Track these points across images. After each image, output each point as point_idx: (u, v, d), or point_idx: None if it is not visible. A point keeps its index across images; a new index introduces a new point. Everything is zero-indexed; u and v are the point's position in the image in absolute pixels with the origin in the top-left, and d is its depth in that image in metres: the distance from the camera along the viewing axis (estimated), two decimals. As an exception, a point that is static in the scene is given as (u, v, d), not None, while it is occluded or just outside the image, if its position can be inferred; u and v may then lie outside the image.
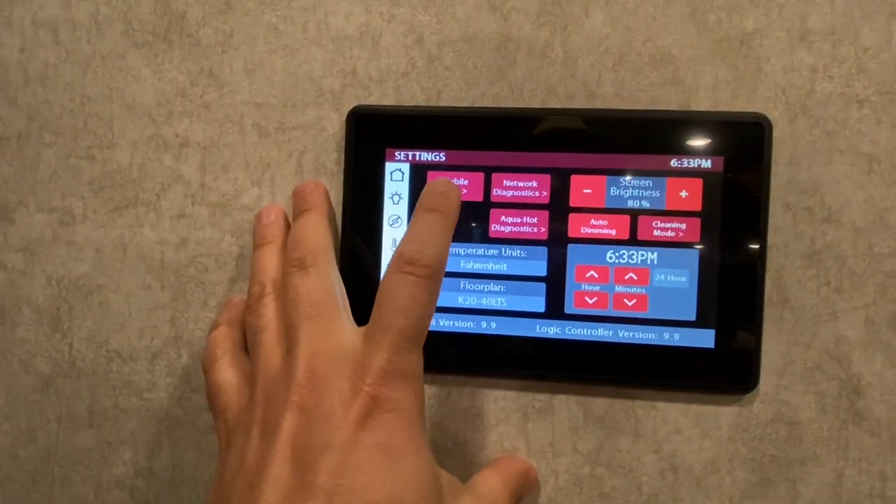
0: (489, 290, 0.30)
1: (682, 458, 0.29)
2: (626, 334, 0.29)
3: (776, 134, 0.28)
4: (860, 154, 0.28)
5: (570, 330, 0.29)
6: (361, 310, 0.30)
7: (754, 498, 0.29)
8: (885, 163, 0.28)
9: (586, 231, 0.29)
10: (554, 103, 0.30)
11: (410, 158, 0.30)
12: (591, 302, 0.29)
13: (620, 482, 0.30)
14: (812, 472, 0.29)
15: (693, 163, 0.29)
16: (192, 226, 0.32)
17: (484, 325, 0.30)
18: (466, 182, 0.30)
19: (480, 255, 0.30)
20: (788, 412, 0.29)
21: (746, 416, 0.29)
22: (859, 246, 0.28)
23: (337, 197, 0.31)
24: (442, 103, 0.30)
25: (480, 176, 0.30)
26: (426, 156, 0.30)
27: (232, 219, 0.32)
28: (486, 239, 0.29)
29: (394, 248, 0.30)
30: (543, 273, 0.29)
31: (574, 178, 0.29)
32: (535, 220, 0.29)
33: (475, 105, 0.30)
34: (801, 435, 0.29)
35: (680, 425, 0.29)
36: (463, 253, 0.30)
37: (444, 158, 0.30)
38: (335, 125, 0.31)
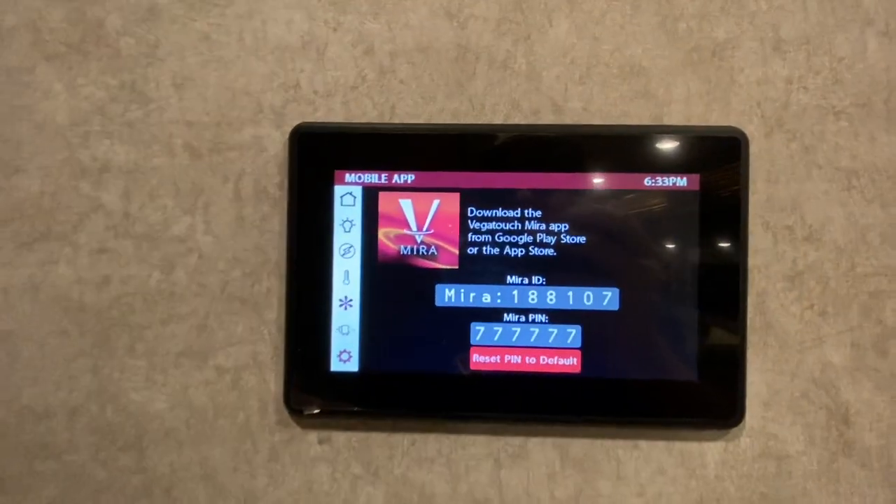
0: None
1: (668, 499, 0.27)
2: (602, 368, 0.27)
3: (753, 149, 0.27)
4: (839, 169, 0.27)
5: (543, 361, 0.27)
6: (312, 354, 0.27)
7: (744, 540, 0.27)
8: (864, 178, 0.27)
9: (557, 257, 0.27)
10: (518, 119, 0.28)
11: (362, 181, 0.27)
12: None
13: (602, 530, 0.27)
14: (803, 508, 0.27)
15: (668, 181, 0.27)
16: (114, 261, 0.28)
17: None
18: (439, 202, 0.27)
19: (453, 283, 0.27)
20: (776, 446, 0.27)
21: (733, 452, 0.27)
22: (842, 266, 0.27)
23: (281, 226, 0.28)
24: (396, 120, 0.28)
25: (453, 197, 0.27)
26: (379, 178, 0.27)
27: (161, 252, 0.28)
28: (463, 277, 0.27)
29: (346, 282, 0.27)
30: (513, 304, 0.27)
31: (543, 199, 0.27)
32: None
33: (432, 122, 0.28)
34: (790, 470, 0.27)
35: (664, 465, 0.27)
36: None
37: (412, 180, 0.27)
38: (277, 145, 0.28)
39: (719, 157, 0.27)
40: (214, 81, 0.28)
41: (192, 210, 0.28)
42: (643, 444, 0.27)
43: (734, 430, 0.27)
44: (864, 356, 0.27)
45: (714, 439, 0.27)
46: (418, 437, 0.27)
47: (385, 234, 0.27)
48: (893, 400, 0.27)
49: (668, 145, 0.27)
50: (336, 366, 0.27)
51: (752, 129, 0.27)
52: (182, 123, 0.28)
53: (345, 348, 0.27)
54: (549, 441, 0.27)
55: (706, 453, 0.27)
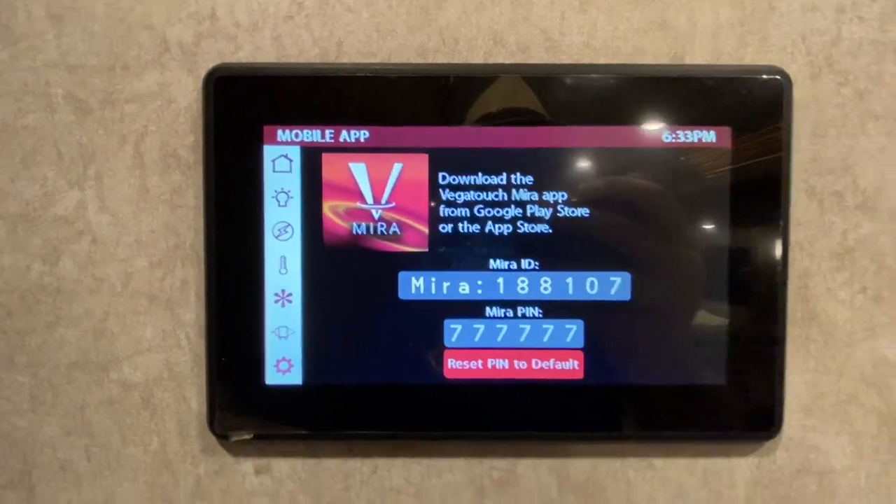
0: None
1: (688, 528, 0.23)
2: (608, 373, 0.22)
3: (796, 95, 0.21)
4: (901, 119, 0.22)
5: (536, 364, 0.22)
6: (242, 363, 0.22)
7: (778, 572, 0.23)
8: (929, 130, 0.22)
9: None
10: (502, 58, 0.21)
11: (300, 140, 0.21)
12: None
13: (609, 567, 0.23)
14: (848, 533, 0.23)
15: (692, 136, 0.21)
16: (-19, 249, 0.22)
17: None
18: (401, 166, 0.21)
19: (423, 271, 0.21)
20: (819, 459, 0.22)
21: (768, 469, 0.22)
22: (900, 240, 0.22)
23: (197, 200, 0.21)
24: (344, 59, 0.22)
25: (420, 159, 0.21)
26: (322, 135, 0.21)
27: (42, 237, 0.22)
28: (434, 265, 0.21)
29: (283, 271, 0.21)
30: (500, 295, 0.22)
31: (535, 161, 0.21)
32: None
33: (391, 61, 0.22)
34: (834, 488, 0.22)
35: (685, 487, 0.22)
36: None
37: (366, 137, 0.21)
38: (189, 95, 0.21)
39: (755, 105, 0.21)
40: (103, 12, 0.21)
41: (81, 182, 0.21)
42: (659, 462, 0.22)
43: (769, 443, 0.22)
44: (923, 350, 0.22)
45: (745, 454, 0.22)
46: (381, 462, 0.22)
47: (332, 209, 0.21)
48: (956, 401, 0.22)
49: (691, 91, 0.21)
50: (273, 378, 0.21)
51: (794, 70, 0.21)
52: (63, 68, 0.21)
53: (284, 356, 0.21)
54: (543, 463, 0.22)
55: (735, 471, 0.22)
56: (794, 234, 0.22)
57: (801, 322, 0.22)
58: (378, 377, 0.21)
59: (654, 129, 0.21)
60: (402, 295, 0.21)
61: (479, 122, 0.21)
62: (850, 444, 0.22)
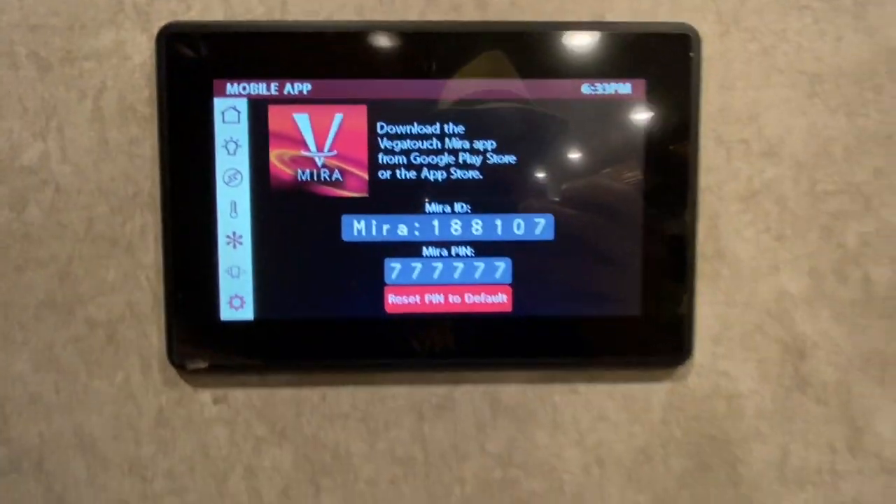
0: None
1: (610, 448, 0.25)
2: (535, 305, 0.24)
3: (705, 50, 0.23)
4: (802, 73, 0.24)
5: (468, 299, 0.24)
6: (198, 301, 0.23)
7: (692, 486, 0.25)
8: (829, 83, 0.24)
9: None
10: (435, 15, 0.23)
11: (247, 92, 0.22)
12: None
13: (539, 483, 0.25)
14: (755, 450, 0.25)
15: (609, 88, 0.23)
16: (-48, 198, 0.23)
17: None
18: (342, 117, 0.23)
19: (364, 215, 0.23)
20: (727, 384, 0.25)
21: (680, 393, 0.25)
22: (802, 184, 0.24)
23: (153, 150, 0.23)
24: (287, 16, 0.23)
25: (360, 110, 0.23)
26: (268, 88, 0.22)
27: (9, 186, 0.23)
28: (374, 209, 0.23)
29: (234, 215, 0.23)
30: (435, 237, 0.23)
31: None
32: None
33: (332, 18, 0.23)
34: (741, 409, 0.25)
35: (605, 410, 0.24)
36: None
37: (308, 90, 0.23)
38: (143, 52, 0.23)
39: (667, 59, 0.23)
40: (62, -26, 0.23)
41: (44, 134, 0.23)
42: (582, 388, 0.24)
43: (681, 369, 0.24)
44: (823, 283, 0.24)
45: (659, 380, 0.24)
46: (329, 390, 0.24)
47: (278, 157, 0.23)
48: (853, 330, 0.24)
49: (608, 47, 0.23)
50: (227, 314, 0.23)
51: (705, 28, 0.23)
52: (24, 28, 0.23)
53: (236, 293, 0.23)
54: (477, 389, 0.24)
55: (651, 395, 0.24)
56: (704, 178, 0.24)
57: (711, 259, 0.24)
58: (324, 312, 0.23)
59: (575, 81, 0.23)
60: (345, 237, 0.23)
61: (418, 75, 0.23)
62: (755, 369, 0.24)
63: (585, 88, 0.23)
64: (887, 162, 0.24)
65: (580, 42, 0.23)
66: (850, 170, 0.24)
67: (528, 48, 0.23)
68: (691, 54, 0.23)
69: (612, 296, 0.23)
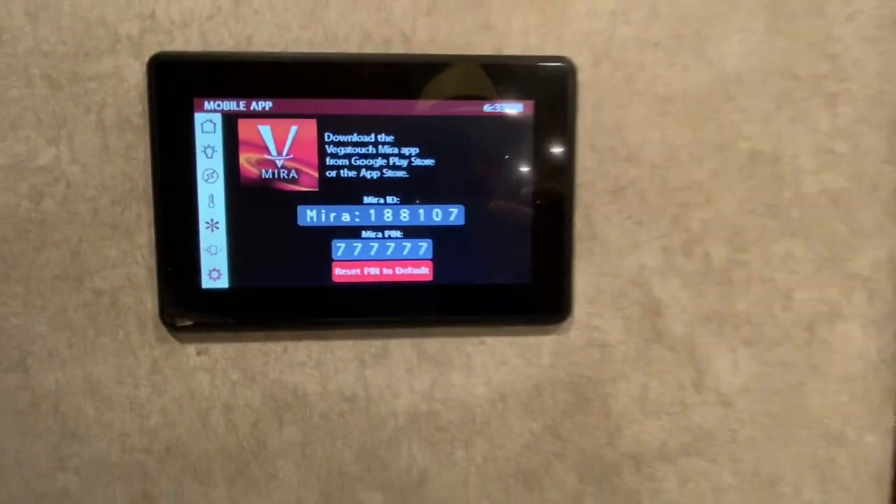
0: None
1: (510, 387, 0.32)
2: (451, 275, 0.30)
3: (581, 77, 0.30)
4: (656, 96, 0.31)
5: (398, 271, 0.30)
6: (184, 273, 0.29)
7: (573, 415, 0.32)
8: (677, 104, 0.31)
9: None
10: (370, 48, 0.29)
11: (221, 108, 0.28)
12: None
13: (456, 415, 0.32)
14: (621, 387, 0.32)
15: (506, 107, 0.29)
16: (-20, 192, 0.29)
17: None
18: (297, 128, 0.29)
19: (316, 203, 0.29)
20: (599, 336, 0.32)
21: (563, 344, 0.32)
22: (656, 181, 0.31)
23: (146, 154, 0.29)
24: (253, 49, 0.29)
25: (311, 123, 0.29)
26: (237, 105, 0.28)
27: (28, 182, 0.29)
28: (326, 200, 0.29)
29: (211, 205, 0.29)
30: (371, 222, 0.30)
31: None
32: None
33: (289, 51, 0.29)
34: (611, 356, 0.32)
35: (506, 357, 0.31)
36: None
37: (270, 107, 0.29)
38: (136, 75, 0.29)
39: (551, 85, 0.30)
40: (69, 10, 0.28)
41: (56, 140, 0.29)
42: (489, 339, 0.31)
43: (564, 325, 0.31)
44: (673, 259, 0.31)
45: (547, 333, 0.31)
46: (289, 344, 0.30)
47: (246, 160, 0.29)
48: (696, 294, 0.32)
49: (505, 74, 0.29)
50: (207, 283, 0.29)
51: (580, 60, 0.30)
52: (38, 54, 0.28)
53: (214, 267, 0.29)
54: (407, 342, 0.31)
55: (541, 346, 0.31)
56: (580, 177, 0.30)
57: (586, 240, 0.31)
58: (284, 282, 0.30)
59: (479, 102, 0.29)
60: (299, 222, 0.29)
61: (357, 95, 0.29)
62: (621, 325, 0.32)
63: (486, 107, 0.29)
64: (722, 165, 0.31)
65: (483, 71, 0.29)
66: (693, 171, 0.31)
67: (442, 75, 0.29)
68: (570, 81, 0.29)
69: (511, 268, 0.30)
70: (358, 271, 0.30)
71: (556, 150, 0.30)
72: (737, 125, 0.31)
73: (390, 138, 0.29)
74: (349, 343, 0.31)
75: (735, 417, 0.33)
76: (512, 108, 0.29)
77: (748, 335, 0.32)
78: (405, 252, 0.30)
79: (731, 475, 0.33)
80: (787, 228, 0.32)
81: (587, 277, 0.31)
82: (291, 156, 0.29)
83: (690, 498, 0.33)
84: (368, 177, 0.29)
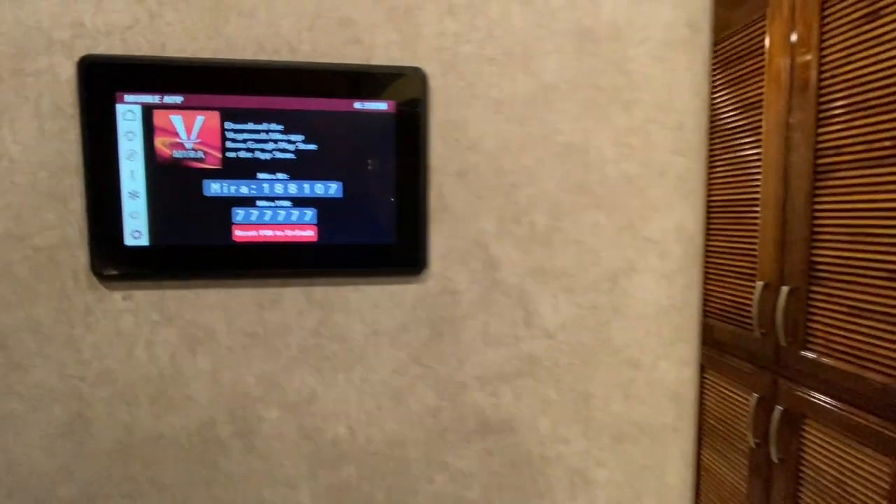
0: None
1: (381, 324, 0.40)
2: (332, 237, 0.38)
3: (432, 84, 0.39)
4: (491, 99, 0.40)
5: (289, 234, 0.38)
6: (110, 233, 0.36)
7: (432, 346, 0.41)
8: (508, 106, 0.40)
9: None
10: (263, 56, 0.37)
11: (140, 101, 0.35)
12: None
13: (338, 346, 0.40)
14: (469, 324, 0.41)
15: (373, 105, 0.38)
16: (-66, 166, 0.35)
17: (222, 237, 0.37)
18: (203, 118, 0.36)
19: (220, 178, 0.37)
20: (451, 285, 0.41)
21: (423, 290, 0.40)
22: (493, 166, 0.40)
23: (77, 136, 0.35)
24: (166, 53, 0.36)
25: (215, 114, 0.36)
26: (153, 99, 0.35)
27: (-25, 158, 0.35)
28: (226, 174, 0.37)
29: (133, 179, 0.36)
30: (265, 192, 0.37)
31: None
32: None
33: (196, 56, 0.36)
34: (460, 300, 0.41)
35: (378, 301, 0.40)
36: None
37: (181, 101, 0.36)
38: (69, 72, 0.35)
39: (409, 88, 0.38)
40: (10, 17, 0.34)
41: (0, 125, 0.35)
42: (363, 287, 0.40)
43: (423, 275, 0.40)
44: (506, 225, 0.41)
45: (410, 283, 0.40)
46: (200, 291, 0.38)
47: (161, 143, 0.36)
48: (525, 253, 0.41)
49: (371, 79, 0.38)
50: (130, 241, 0.36)
51: (432, 70, 0.38)
52: (-17, 52, 0.34)
53: (136, 228, 0.36)
54: (298, 290, 0.39)
55: (405, 292, 0.40)
56: (434, 161, 0.39)
57: (439, 210, 0.40)
58: (194, 241, 0.37)
59: (351, 100, 0.37)
60: (205, 193, 0.37)
61: (253, 93, 0.36)
62: (468, 276, 0.41)
63: (356, 105, 0.37)
64: (543, 154, 0.40)
65: (354, 76, 0.37)
66: (521, 158, 0.40)
67: (321, 78, 0.37)
68: (423, 86, 0.38)
69: (380, 232, 0.39)
70: (255, 233, 0.37)
71: (413, 139, 0.38)
72: (554, 123, 0.40)
73: (280, 127, 0.37)
74: (250, 291, 0.38)
75: (557, 348, 0.43)
76: (377, 106, 0.38)
77: (566, 284, 0.42)
78: (294, 218, 0.38)
79: (554, 392, 0.43)
80: (594, 203, 0.42)
81: (440, 239, 0.40)
82: (199, 140, 0.36)
83: (524, 409, 0.43)
84: (262, 158, 0.37)
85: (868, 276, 0.77)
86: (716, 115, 1.16)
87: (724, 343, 1.13)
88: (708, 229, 1.22)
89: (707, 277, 1.18)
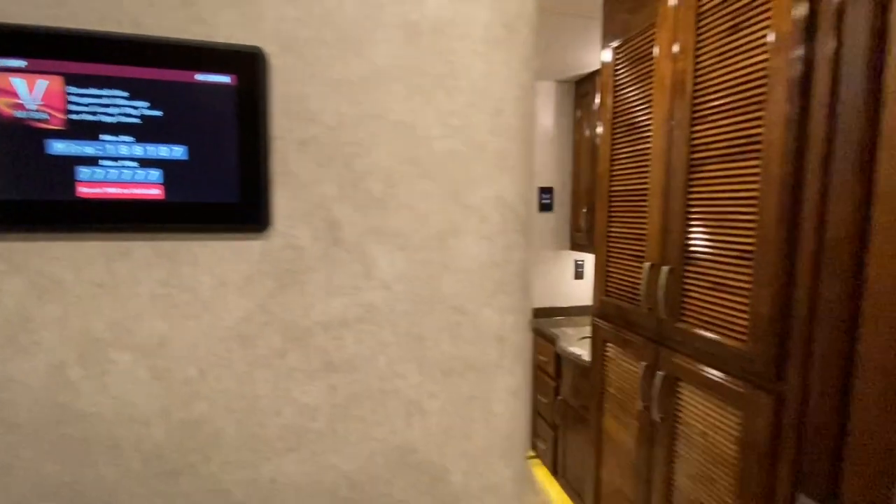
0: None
1: (228, 275, 0.45)
2: (179, 195, 0.42)
3: (274, 62, 0.43)
4: (329, 79, 0.45)
5: (136, 192, 0.41)
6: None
7: (279, 295, 0.46)
8: (345, 85, 0.46)
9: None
10: (110, 27, 0.40)
11: (-22, 63, 0.37)
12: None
13: (187, 296, 0.44)
14: (312, 277, 0.47)
15: (216, 78, 0.42)
16: None
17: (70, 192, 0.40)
18: (47, 83, 0.38)
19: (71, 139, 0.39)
20: (294, 242, 0.46)
21: (268, 246, 0.46)
22: (331, 137, 0.46)
23: (-89, 92, 0.37)
24: (10, 20, 0.38)
25: (58, 79, 0.39)
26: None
27: None
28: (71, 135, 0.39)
29: (-27, 136, 0.37)
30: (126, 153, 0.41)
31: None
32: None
33: (41, 24, 0.39)
34: (303, 255, 0.47)
35: (224, 256, 0.45)
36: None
37: (24, 65, 0.38)
38: None
39: (249, 64, 0.43)
40: None
41: None
42: (210, 243, 0.44)
43: (267, 232, 0.45)
44: (346, 191, 0.47)
45: (255, 239, 0.45)
46: (48, 244, 0.41)
47: (4, 103, 0.38)
48: (363, 215, 0.47)
49: (215, 54, 0.42)
50: (-29, 195, 0.38)
51: (272, 49, 0.43)
52: None
53: (-23, 183, 0.38)
54: (146, 244, 0.43)
55: (252, 247, 0.45)
56: (275, 131, 0.44)
57: (282, 174, 0.45)
58: (42, 196, 0.40)
59: (195, 72, 0.41)
60: (49, 152, 0.39)
61: (96, 61, 0.39)
62: (311, 235, 0.46)
63: (198, 77, 0.41)
64: (377, 129, 0.47)
65: (199, 50, 0.41)
66: (357, 132, 0.46)
67: (166, 51, 0.41)
68: (261, 64, 0.43)
69: (226, 192, 0.43)
70: (100, 190, 0.41)
71: (254, 110, 0.43)
72: (387, 103, 0.47)
73: (125, 94, 0.40)
74: (98, 244, 0.42)
75: (393, 297, 0.49)
76: (220, 79, 0.42)
77: (400, 243, 0.49)
78: (140, 178, 0.41)
79: (391, 335, 0.50)
80: (423, 174, 0.49)
81: (284, 201, 0.45)
82: (43, 103, 0.39)
83: (364, 351, 0.49)
84: (106, 121, 0.40)
85: (726, 256, 0.91)
86: (625, 109, 1.29)
87: (622, 319, 1.27)
88: (609, 216, 1.36)
89: (608, 260, 1.32)
